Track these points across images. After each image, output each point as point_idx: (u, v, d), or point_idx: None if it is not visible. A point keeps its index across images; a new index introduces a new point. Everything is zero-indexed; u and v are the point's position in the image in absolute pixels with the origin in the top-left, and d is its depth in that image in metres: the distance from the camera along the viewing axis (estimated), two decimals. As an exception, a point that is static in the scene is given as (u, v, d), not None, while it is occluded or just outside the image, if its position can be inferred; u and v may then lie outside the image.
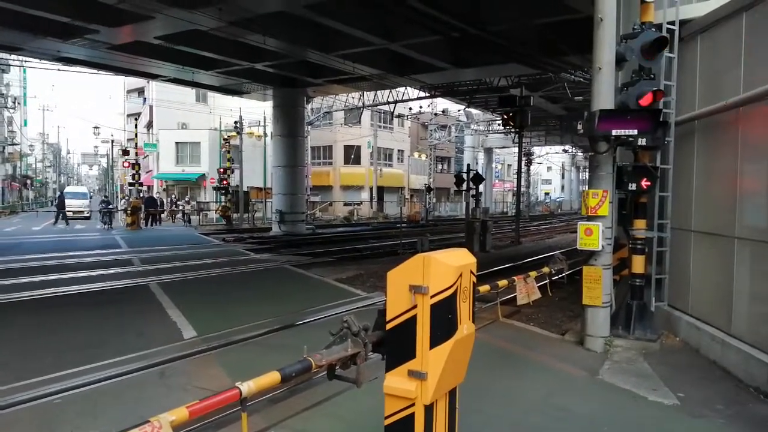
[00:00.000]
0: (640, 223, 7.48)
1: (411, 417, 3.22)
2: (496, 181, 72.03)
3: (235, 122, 36.87)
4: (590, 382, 6.01)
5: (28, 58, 22.17)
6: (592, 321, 7.22)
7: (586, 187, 7.53)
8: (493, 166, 67.16)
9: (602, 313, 7.18)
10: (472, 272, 3.45)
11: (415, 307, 3.18)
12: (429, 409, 3.25)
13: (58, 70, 24.40)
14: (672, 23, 7.52)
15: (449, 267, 3.19)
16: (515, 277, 7.92)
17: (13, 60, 28.38)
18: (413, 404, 3.20)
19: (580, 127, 6.82)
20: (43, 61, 21.32)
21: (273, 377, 2.88)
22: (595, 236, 6.93)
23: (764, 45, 5.94)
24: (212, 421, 4.35)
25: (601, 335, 7.19)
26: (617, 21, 7.32)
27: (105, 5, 14.64)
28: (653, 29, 7.02)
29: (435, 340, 3.16)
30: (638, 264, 7.52)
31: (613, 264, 7.67)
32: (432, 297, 3.15)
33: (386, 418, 3.28)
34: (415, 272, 3.18)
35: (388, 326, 3.28)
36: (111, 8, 14.91)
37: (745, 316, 6.16)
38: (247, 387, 2.71)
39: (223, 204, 34.59)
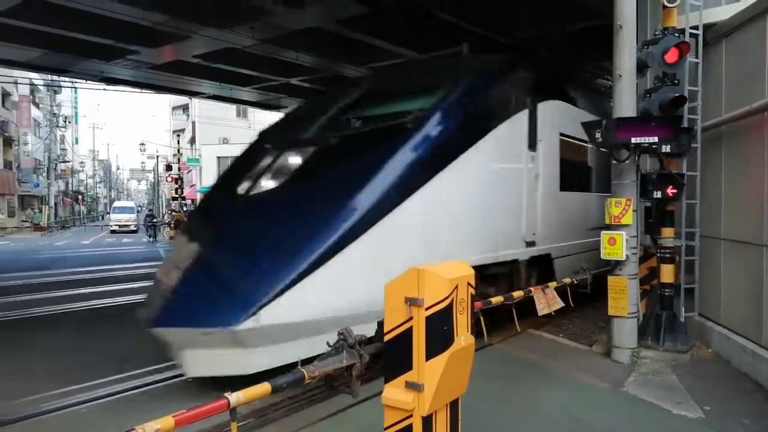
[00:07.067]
0: (667, 232, 7.32)
1: (409, 428, 3.26)
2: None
3: (274, 136, 37.44)
4: (613, 394, 5.90)
5: (75, 79, 23.13)
6: (619, 332, 7.08)
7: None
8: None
9: (628, 324, 7.04)
10: (469, 284, 3.48)
11: (411, 319, 3.24)
12: (427, 421, 3.29)
13: (104, 89, 25.41)
14: (696, 28, 7.36)
15: (443, 279, 3.23)
16: (532, 288, 7.83)
17: (64, 81, 29.66)
18: (411, 416, 3.24)
19: (598, 135, 6.75)
20: (88, 81, 22.22)
21: (263, 388, 2.98)
22: (618, 245, 6.82)
23: (788, 47, 5.80)
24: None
25: (628, 346, 7.04)
26: (641, 27, 7.24)
27: (144, 27, 15.20)
28: (676, 35, 6.91)
29: (431, 352, 3.21)
30: (667, 273, 7.35)
31: (643, 274, 7.53)
32: (427, 309, 3.20)
33: (385, 429, 3.34)
34: (410, 285, 3.24)
35: (386, 338, 3.34)
36: (150, 30, 15.46)
37: (776, 327, 5.96)
38: (236, 397, 2.80)
39: (262, 216, 35.03)
